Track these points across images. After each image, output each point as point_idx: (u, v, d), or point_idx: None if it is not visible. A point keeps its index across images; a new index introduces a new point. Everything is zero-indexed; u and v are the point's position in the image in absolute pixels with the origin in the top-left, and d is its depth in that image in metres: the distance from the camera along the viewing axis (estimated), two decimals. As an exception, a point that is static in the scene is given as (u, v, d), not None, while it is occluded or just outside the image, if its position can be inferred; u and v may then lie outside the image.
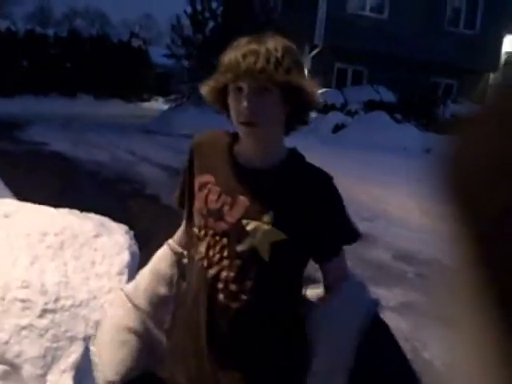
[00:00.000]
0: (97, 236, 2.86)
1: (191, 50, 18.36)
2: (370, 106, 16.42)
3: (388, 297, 4.64)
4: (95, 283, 2.69)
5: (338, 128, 14.28)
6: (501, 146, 0.41)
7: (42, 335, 2.39)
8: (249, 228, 1.43)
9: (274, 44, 1.39)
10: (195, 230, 1.53)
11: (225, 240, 1.46)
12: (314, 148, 11.91)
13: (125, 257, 2.85)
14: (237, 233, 1.44)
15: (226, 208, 1.47)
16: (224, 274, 1.45)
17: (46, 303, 2.46)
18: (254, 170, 1.49)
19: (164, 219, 6.41)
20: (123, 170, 9.30)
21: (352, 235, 1.53)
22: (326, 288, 1.60)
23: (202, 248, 1.49)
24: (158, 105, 24.29)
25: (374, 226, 6.70)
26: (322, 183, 1.50)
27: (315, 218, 1.45)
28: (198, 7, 18.09)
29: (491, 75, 20.60)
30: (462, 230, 0.42)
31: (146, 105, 26.42)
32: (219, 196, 1.49)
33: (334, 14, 18.90)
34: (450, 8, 20.38)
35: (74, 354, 2.43)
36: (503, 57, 20.87)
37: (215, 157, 1.55)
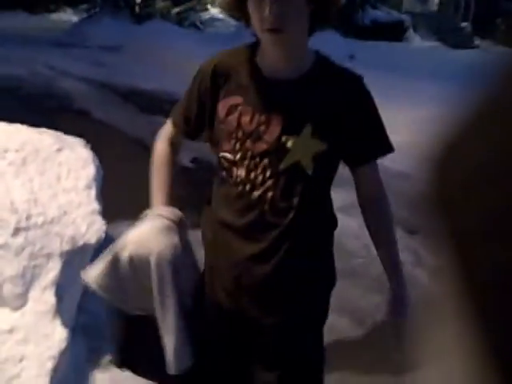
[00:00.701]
0: (59, 150, 2.74)
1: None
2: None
3: (334, 198, 4.78)
4: (64, 198, 2.60)
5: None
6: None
7: (18, 254, 2.31)
8: (289, 144, 1.40)
9: None
10: (227, 155, 1.46)
11: (266, 160, 1.41)
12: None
13: (90, 171, 2.76)
14: (277, 151, 1.40)
15: (262, 127, 1.41)
16: (270, 194, 1.42)
17: (18, 221, 2.37)
18: (283, 82, 1.43)
19: (98, 134, 6.20)
20: (45, 85, 8.83)
21: (387, 145, 1.52)
22: (360, 197, 1.59)
23: (242, 172, 1.44)
24: (67, 16, 22.87)
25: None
26: (354, 87, 1.46)
27: (352, 124, 1.43)
28: None
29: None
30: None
31: (53, 16, 24.81)
32: (253, 116, 1.42)
33: None
34: None
35: (52, 272, 2.38)
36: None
37: (238, 76, 1.46)
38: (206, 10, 17.74)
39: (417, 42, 18.82)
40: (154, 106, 8.36)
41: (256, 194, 1.43)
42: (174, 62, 11.11)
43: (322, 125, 1.41)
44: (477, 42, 17.33)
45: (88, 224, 2.57)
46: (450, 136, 0.38)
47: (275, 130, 1.41)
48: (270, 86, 1.44)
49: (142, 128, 6.52)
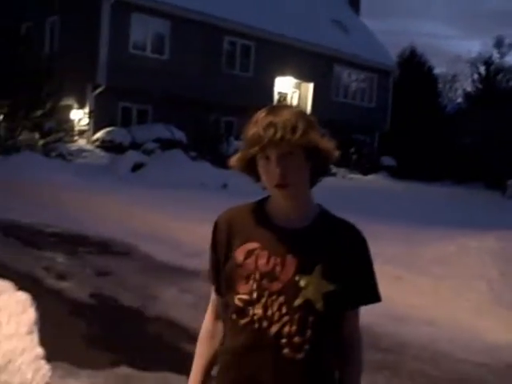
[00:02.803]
0: (-2, 294, 2.69)
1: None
2: (166, 144, 16.77)
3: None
4: (7, 345, 2.53)
5: (137, 167, 14.32)
6: None
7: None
8: (302, 283, 1.58)
9: (287, 113, 1.59)
10: (243, 296, 1.61)
11: (282, 298, 1.58)
12: (114, 187, 11.79)
13: (31, 314, 2.72)
14: (292, 289, 1.58)
15: (277, 268, 1.60)
16: (286, 329, 1.57)
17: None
18: (294, 230, 1.65)
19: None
20: None
21: (376, 294, 1.71)
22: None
23: (259, 310, 1.59)
24: None
25: (199, 261, 6.87)
26: (356, 238, 1.70)
27: (351, 269, 1.65)
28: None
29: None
30: None
31: None
32: (269, 259, 1.61)
33: (116, 53, 18.99)
34: (225, 52, 21.81)
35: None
36: (276, 95, 22.87)
37: (253, 226, 1.67)
38: (74, 141, 17.78)
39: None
40: (37, 239, 8.18)
41: (273, 329, 1.57)
42: (44, 194, 10.95)
43: (329, 268, 1.62)
44: (334, 170, 18.81)
45: (34, 370, 2.51)
46: None
47: (290, 270, 1.59)
48: (284, 233, 1.64)
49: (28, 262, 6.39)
